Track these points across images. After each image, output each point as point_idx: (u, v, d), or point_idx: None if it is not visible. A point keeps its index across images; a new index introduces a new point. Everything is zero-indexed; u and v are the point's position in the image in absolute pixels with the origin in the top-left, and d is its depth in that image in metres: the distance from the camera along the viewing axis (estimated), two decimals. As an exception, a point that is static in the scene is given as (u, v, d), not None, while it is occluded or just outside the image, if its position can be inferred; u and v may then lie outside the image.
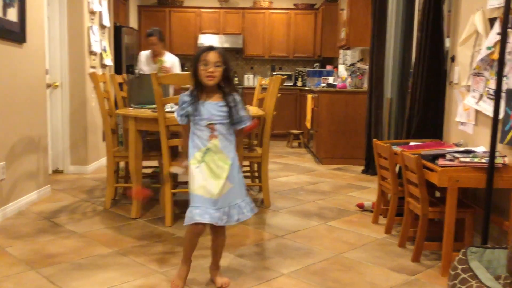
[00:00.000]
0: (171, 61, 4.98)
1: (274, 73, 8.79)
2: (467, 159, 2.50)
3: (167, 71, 4.65)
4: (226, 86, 2.30)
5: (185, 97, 2.33)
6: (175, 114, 2.39)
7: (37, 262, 2.67)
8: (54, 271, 2.54)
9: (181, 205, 3.68)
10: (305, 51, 8.79)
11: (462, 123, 3.18)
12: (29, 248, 2.88)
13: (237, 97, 2.32)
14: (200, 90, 2.30)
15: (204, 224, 2.25)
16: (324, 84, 6.73)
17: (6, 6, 3.42)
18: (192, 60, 2.32)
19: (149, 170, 4.54)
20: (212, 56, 2.24)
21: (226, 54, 2.30)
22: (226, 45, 8.58)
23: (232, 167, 2.30)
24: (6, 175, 3.49)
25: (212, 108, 2.27)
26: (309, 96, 6.70)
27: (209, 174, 2.26)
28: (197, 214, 2.23)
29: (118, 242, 3.02)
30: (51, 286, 2.37)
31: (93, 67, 5.35)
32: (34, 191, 3.96)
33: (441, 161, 2.56)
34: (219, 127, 2.27)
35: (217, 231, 2.37)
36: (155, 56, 4.93)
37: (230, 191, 2.29)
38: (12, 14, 3.52)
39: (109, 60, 5.85)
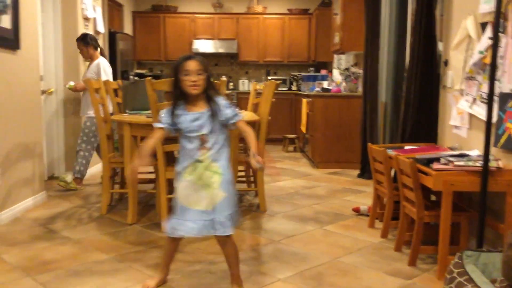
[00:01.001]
0: (95, 68, 4.76)
1: (269, 77, 8.81)
2: (462, 163, 2.52)
3: (76, 90, 4.77)
4: (209, 93, 2.27)
5: (164, 113, 2.30)
6: (155, 124, 2.36)
7: (33, 268, 2.66)
8: (50, 278, 2.54)
9: (177, 210, 3.68)
10: (300, 56, 8.82)
11: (456, 126, 3.20)
12: (25, 255, 2.87)
13: (221, 100, 2.29)
14: (184, 101, 2.28)
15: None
16: (318, 89, 6.76)
17: None
18: (171, 70, 2.29)
19: (145, 176, 4.53)
20: (193, 65, 2.22)
21: (206, 61, 2.28)
22: (221, 50, 8.60)
23: (223, 177, 2.26)
24: (1, 181, 3.48)
25: (199, 118, 2.24)
26: (304, 100, 6.72)
27: (199, 185, 2.25)
28: (173, 227, 2.30)
29: (115, 248, 3.01)
30: (47, 293, 2.36)
31: (88, 73, 5.34)
32: (30, 198, 3.95)
33: (435, 165, 2.57)
34: (209, 137, 2.24)
35: (220, 240, 2.34)
36: (90, 61, 4.86)
37: (223, 201, 2.26)
38: (5, 21, 3.52)
39: (103, 66, 5.84)
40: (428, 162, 2.67)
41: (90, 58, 4.81)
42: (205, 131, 2.23)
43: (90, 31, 5.44)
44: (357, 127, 5.71)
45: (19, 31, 3.71)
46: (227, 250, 2.36)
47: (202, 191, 2.25)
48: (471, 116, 3.00)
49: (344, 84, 6.35)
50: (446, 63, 3.38)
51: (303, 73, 8.46)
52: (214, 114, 2.24)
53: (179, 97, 2.27)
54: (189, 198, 2.27)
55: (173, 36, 8.69)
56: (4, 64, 3.53)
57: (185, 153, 2.29)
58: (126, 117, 3.56)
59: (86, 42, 4.74)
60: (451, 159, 2.56)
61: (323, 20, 8.00)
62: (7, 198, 3.58)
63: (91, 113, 4.37)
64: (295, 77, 8.76)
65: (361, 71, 5.96)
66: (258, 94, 5.24)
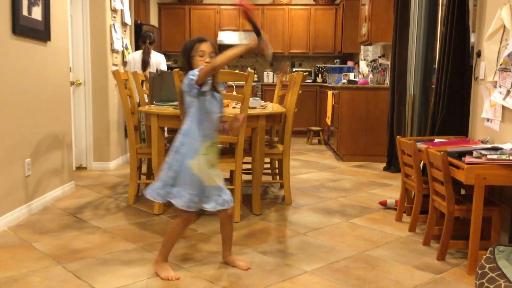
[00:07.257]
0: (156, 60, 5.39)
1: (294, 69, 8.76)
2: (495, 156, 2.46)
3: None
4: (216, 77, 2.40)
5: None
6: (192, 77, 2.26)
7: (63, 257, 2.71)
8: (80, 266, 2.58)
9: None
10: (325, 47, 8.73)
11: (488, 119, 3.13)
12: (55, 243, 2.93)
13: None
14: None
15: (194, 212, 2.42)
16: (345, 81, 6.69)
17: (31, 5, 3.47)
18: (183, 53, 2.35)
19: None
20: (206, 47, 2.33)
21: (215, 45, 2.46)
22: (246, 42, 8.58)
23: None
24: (31, 171, 3.55)
25: (221, 100, 2.43)
26: (330, 92, 6.66)
27: (211, 164, 2.39)
28: (191, 201, 2.37)
29: (142, 238, 3.04)
30: (77, 280, 2.40)
31: (115, 64, 5.40)
32: (59, 187, 4.03)
33: (467, 158, 2.52)
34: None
35: (227, 216, 2.49)
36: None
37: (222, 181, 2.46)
38: (37, 13, 3.57)
39: (130, 58, 5.89)
40: (460, 155, 2.61)
41: None
42: (221, 113, 2.42)
43: (118, 23, 5.49)
44: (383, 120, 5.64)
45: (50, 22, 3.76)
46: (230, 226, 2.54)
47: (214, 170, 2.40)
48: (505, 108, 2.92)
49: (371, 75, 6.27)
50: (478, 54, 3.29)
51: (328, 65, 8.38)
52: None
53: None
54: (206, 175, 2.36)
55: (198, 28, 8.70)
56: (35, 55, 3.58)
57: (204, 132, 2.34)
58: (154, 108, 3.59)
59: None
60: (483, 152, 2.50)
61: (350, 10, 7.90)
62: (37, 187, 3.65)
63: None
64: (321, 69, 8.69)
65: (388, 63, 5.87)
66: (284, 86, 5.21)
